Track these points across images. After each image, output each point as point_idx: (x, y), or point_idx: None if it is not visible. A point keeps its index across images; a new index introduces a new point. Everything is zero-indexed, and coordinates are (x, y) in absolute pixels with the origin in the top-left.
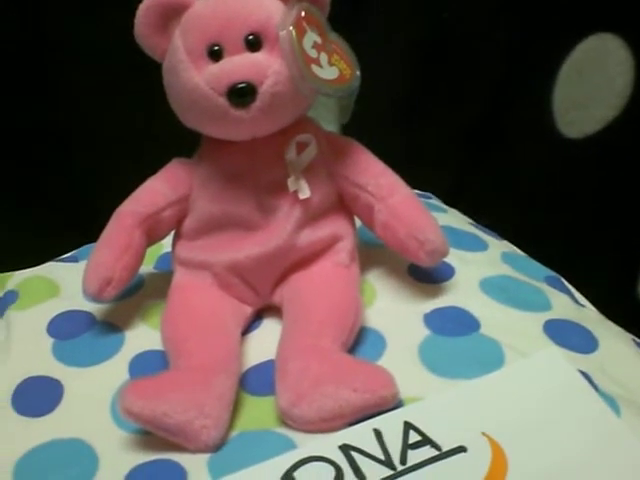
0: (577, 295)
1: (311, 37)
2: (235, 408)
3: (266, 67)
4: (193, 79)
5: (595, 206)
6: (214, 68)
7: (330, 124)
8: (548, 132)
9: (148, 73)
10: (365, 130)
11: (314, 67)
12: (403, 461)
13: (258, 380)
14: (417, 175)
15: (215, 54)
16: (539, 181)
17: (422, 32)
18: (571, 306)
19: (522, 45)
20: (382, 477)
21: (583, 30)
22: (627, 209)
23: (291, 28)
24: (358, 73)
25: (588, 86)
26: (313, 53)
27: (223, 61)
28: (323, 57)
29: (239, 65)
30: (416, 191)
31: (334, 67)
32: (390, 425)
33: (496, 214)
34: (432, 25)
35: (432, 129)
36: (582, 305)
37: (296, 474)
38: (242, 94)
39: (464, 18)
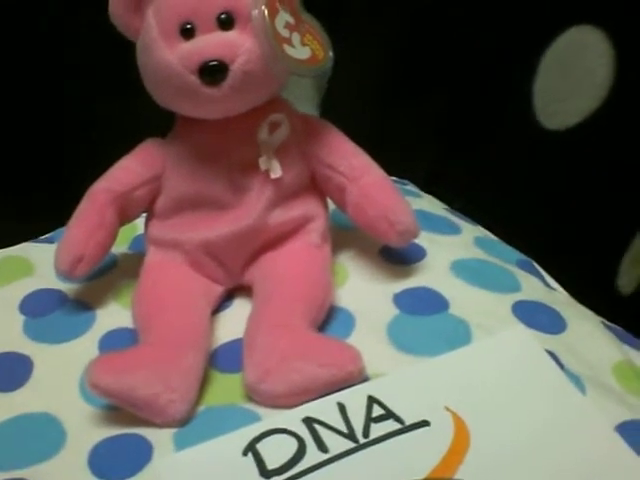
0: (548, 278)
1: (283, 17)
2: (203, 384)
3: (238, 45)
4: (165, 57)
5: (576, 198)
6: (186, 46)
7: (307, 107)
8: (529, 124)
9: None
10: (343, 115)
11: (286, 47)
12: (366, 434)
13: (227, 357)
14: (395, 162)
15: (187, 32)
16: (520, 173)
17: (403, 19)
18: (541, 288)
19: (502, 37)
20: (344, 449)
21: (563, 22)
22: (608, 201)
23: (263, 7)
24: (331, 54)
25: (569, 78)
26: (285, 33)
27: (195, 39)
28: (295, 37)
29: (211, 43)
30: (393, 177)
31: (306, 47)
32: (354, 399)
33: (475, 204)
34: (413, 13)
35: (411, 118)
36: (553, 288)
37: (259, 446)
38: (213, 72)
39: (445, 8)
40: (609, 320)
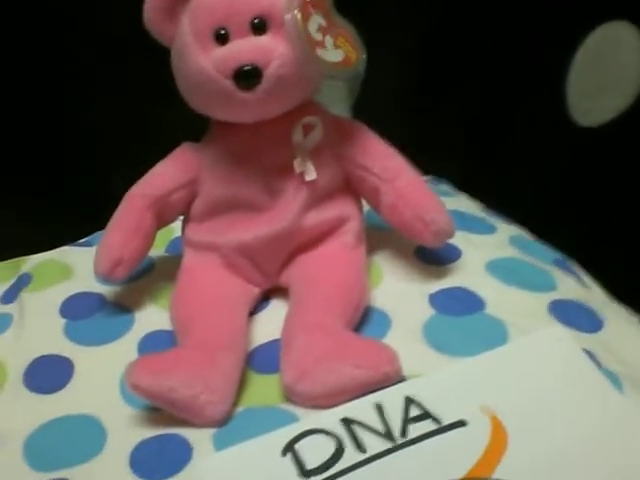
0: (584, 277)
1: (316, 20)
2: (241, 385)
3: (272, 50)
4: (200, 63)
5: (610, 195)
6: (220, 51)
7: (340, 109)
8: (563, 121)
9: (161, 60)
10: (377, 116)
11: (319, 50)
12: (403, 434)
13: (264, 358)
14: (429, 162)
15: (221, 38)
16: (554, 170)
17: (434, 18)
18: (577, 287)
19: (536, 33)
20: (382, 449)
21: (596, 18)
22: None
23: (296, 12)
24: (364, 56)
25: (602, 75)
26: (318, 36)
27: (229, 44)
28: (328, 40)
29: (245, 48)
30: (427, 176)
31: (339, 50)
32: (391, 399)
33: (509, 202)
34: (444, 11)
35: (445, 116)
36: (589, 287)
37: (297, 446)
38: (248, 76)
39: (478, 6)
40: None
